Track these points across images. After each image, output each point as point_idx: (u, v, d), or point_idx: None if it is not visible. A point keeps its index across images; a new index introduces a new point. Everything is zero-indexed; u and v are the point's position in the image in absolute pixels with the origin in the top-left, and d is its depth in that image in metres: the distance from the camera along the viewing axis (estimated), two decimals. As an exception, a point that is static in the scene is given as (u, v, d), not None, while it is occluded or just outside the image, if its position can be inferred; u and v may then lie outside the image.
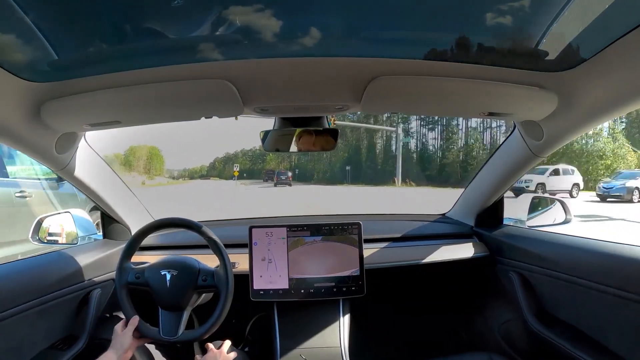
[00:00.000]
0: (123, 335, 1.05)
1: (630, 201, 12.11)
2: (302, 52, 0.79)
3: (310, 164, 39.54)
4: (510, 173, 1.34)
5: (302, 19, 0.76)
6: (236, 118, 1.08)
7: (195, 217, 1.20)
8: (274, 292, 1.31)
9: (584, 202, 12.49)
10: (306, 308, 1.35)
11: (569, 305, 1.16)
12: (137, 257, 1.23)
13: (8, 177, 3.53)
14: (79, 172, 1.19)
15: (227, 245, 1.17)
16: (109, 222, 1.44)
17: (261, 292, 1.31)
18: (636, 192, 12.27)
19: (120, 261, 1.14)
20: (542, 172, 14.75)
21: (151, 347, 1.35)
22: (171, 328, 1.10)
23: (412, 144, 33.61)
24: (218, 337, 1.19)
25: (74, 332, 1.18)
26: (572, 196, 14.64)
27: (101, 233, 1.46)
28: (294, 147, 1.18)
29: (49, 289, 1.08)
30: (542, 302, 1.26)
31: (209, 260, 1.18)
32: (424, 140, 33.89)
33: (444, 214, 1.78)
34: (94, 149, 1.25)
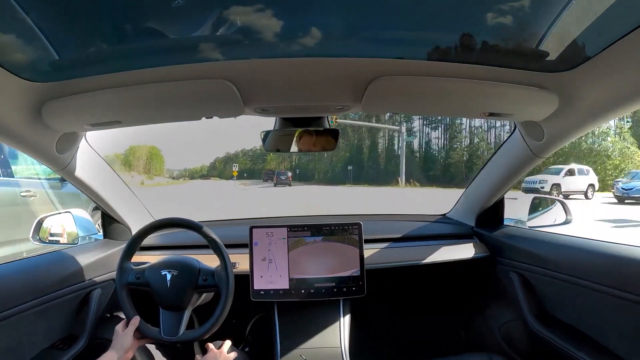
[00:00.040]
0: (124, 335, 1.05)
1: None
2: (302, 52, 0.79)
3: (311, 164, 39.33)
4: (511, 173, 1.34)
5: (303, 19, 0.76)
6: (235, 117, 1.08)
7: (193, 218, 1.20)
8: (275, 292, 1.31)
9: (602, 204, 11.94)
10: (306, 308, 1.35)
11: (570, 305, 1.16)
12: (137, 257, 1.23)
13: (13, 177, 3.58)
14: (80, 172, 1.19)
15: (227, 246, 1.17)
16: (109, 222, 1.44)
17: (261, 292, 1.31)
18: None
19: (120, 261, 1.14)
20: (557, 172, 14.20)
21: (151, 347, 1.35)
22: (172, 328, 1.10)
23: (416, 143, 33.16)
24: (218, 337, 1.19)
25: (74, 332, 1.19)
26: (587, 197, 14.14)
27: (102, 233, 1.46)
28: (294, 148, 1.18)
29: (49, 289, 1.08)
30: (543, 303, 1.26)
31: (209, 261, 1.18)
32: (427, 139, 33.42)
33: (444, 214, 1.78)
34: (94, 149, 1.25)
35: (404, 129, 28.02)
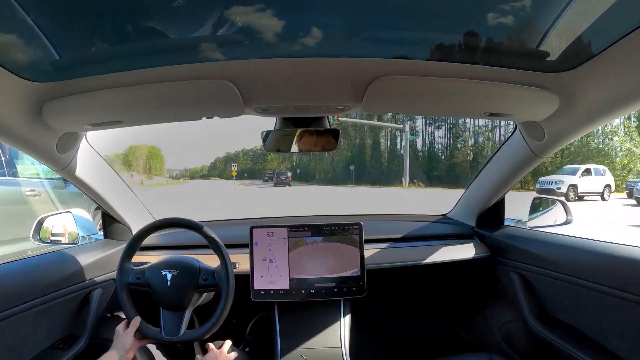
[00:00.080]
0: (125, 335, 1.05)
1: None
2: (303, 52, 0.79)
3: (312, 164, 39.02)
4: (512, 174, 1.34)
5: (303, 19, 0.76)
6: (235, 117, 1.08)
7: (193, 218, 1.20)
8: (275, 292, 1.31)
9: (621, 206, 11.33)
10: (307, 308, 1.35)
11: (570, 306, 1.15)
12: (137, 257, 1.23)
13: (18, 177, 3.67)
14: (80, 172, 1.19)
15: (228, 246, 1.17)
16: (109, 221, 1.44)
17: (262, 292, 1.31)
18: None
19: (120, 262, 1.14)
20: (573, 172, 13.47)
21: (152, 347, 1.35)
22: (173, 328, 1.10)
23: (419, 142, 32.32)
24: (219, 337, 1.19)
25: (75, 332, 1.19)
26: (603, 199, 13.42)
27: (102, 233, 1.46)
28: (295, 148, 1.18)
29: (49, 289, 1.08)
30: (543, 303, 1.26)
31: (209, 260, 1.18)
32: (431, 138, 32.57)
33: (444, 215, 1.78)
34: (95, 149, 1.25)
35: (407, 128, 27.08)
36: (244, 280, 1.30)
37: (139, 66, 0.82)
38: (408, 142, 26.41)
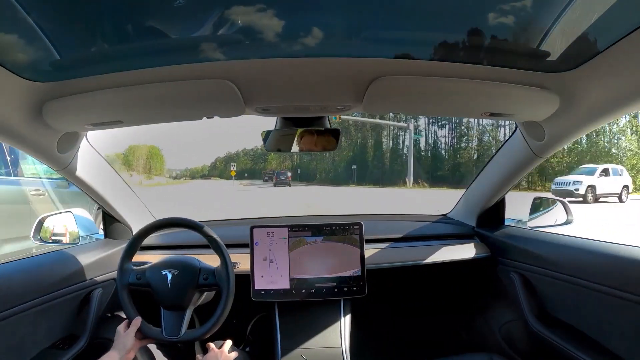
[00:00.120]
0: (126, 336, 1.05)
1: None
2: (303, 52, 0.79)
3: (312, 164, 38.61)
4: (512, 174, 1.34)
5: (304, 19, 0.76)
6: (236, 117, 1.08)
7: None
8: (275, 292, 1.31)
9: None
10: (307, 308, 1.35)
11: (570, 306, 1.15)
12: (138, 257, 1.23)
13: (23, 177, 3.73)
14: (81, 171, 1.19)
15: (228, 245, 1.17)
16: (110, 221, 1.44)
17: (262, 292, 1.31)
18: None
19: (120, 262, 1.14)
20: (591, 172, 12.68)
21: (152, 347, 1.35)
22: (174, 328, 1.10)
23: (423, 141, 31.07)
24: (219, 337, 1.19)
25: (75, 332, 1.19)
26: (621, 200, 12.78)
27: (102, 232, 1.46)
28: (295, 147, 1.18)
29: (50, 288, 1.08)
30: (543, 303, 1.26)
31: (210, 260, 1.19)
32: (435, 137, 31.40)
33: (445, 215, 1.78)
34: (95, 149, 1.25)
35: (411, 126, 26.03)
36: (245, 280, 1.30)
37: (140, 66, 0.82)
38: (412, 141, 25.42)
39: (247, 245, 1.33)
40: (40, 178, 3.88)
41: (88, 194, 1.30)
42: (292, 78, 0.88)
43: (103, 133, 1.22)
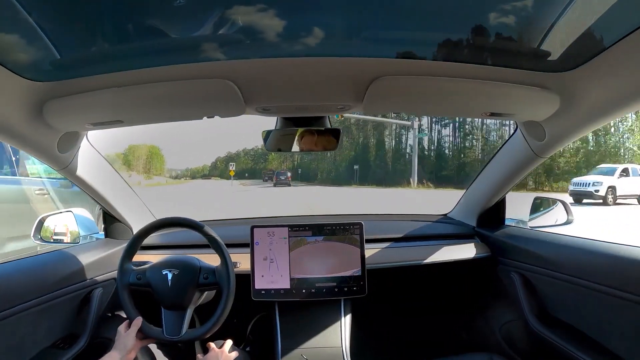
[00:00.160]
0: (126, 336, 1.05)
1: None
2: (304, 52, 0.79)
3: (313, 164, 38.31)
4: (512, 173, 1.34)
5: (305, 18, 0.76)
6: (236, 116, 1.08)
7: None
8: (276, 291, 1.31)
9: None
10: (307, 308, 1.35)
11: (571, 306, 1.15)
12: (138, 257, 1.23)
13: (28, 176, 3.80)
14: (81, 171, 1.19)
15: (228, 245, 1.17)
16: (110, 221, 1.44)
17: (262, 292, 1.31)
18: None
19: (121, 262, 1.14)
20: (611, 172, 11.93)
21: (152, 347, 1.35)
22: (174, 327, 1.10)
23: (426, 140, 30.09)
24: (219, 336, 1.19)
25: (75, 331, 1.19)
26: None
27: (103, 232, 1.46)
28: (295, 147, 1.18)
29: (50, 288, 1.08)
30: (544, 303, 1.26)
31: (210, 260, 1.19)
32: (439, 136, 30.69)
33: (445, 214, 1.78)
34: (96, 148, 1.25)
35: (416, 125, 24.99)
36: (245, 279, 1.30)
37: (140, 66, 0.82)
38: (416, 140, 24.82)
39: (248, 245, 1.33)
40: (43, 178, 3.93)
41: (88, 193, 1.30)
42: (293, 78, 0.88)
43: (103, 133, 1.22)
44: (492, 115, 1.01)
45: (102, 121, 0.99)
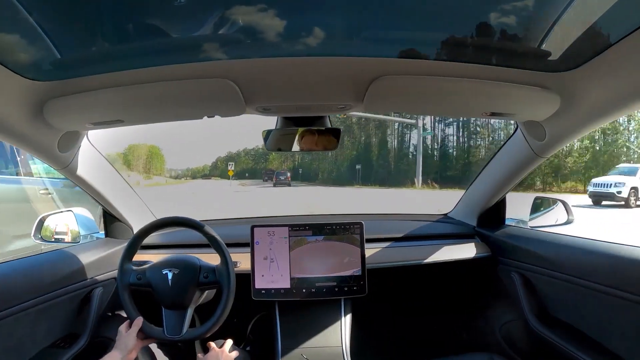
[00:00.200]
0: (127, 336, 1.05)
1: None
2: (304, 51, 0.79)
3: (314, 163, 37.80)
4: (513, 173, 1.34)
5: (305, 18, 0.76)
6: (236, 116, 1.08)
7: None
8: (276, 291, 1.31)
9: None
10: (307, 307, 1.35)
11: (571, 306, 1.15)
12: (138, 256, 1.23)
13: (32, 176, 3.87)
14: (82, 170, 1.19)
15: (228, 245, 1.17)
16: (111, 220, 1.44)
17: (263, 292, 1.31)
18: None
19: (121, 262, 1.14)
20: (632, 172, 10.99)
21: (153, 346, 1.35)
22: (175, 327, 1.10)
23: (430, 139, 28.55)
24: (220, 336, 1.19)
25: (76, 331, 1.19)
26: None
27: (103, 231, 1.47)
28: (296, 147, 1.18)
29: (50, 287, 1.08)
30: (544, 303, 1.26)
31: (210, 259, 1.19)
32: (443, 135, 29.06)
33: (446, 214, 1.78)
34: (96, 148, 1.25)
35: (420, 123, 23.90)
36: (245, 279, 1.30)
37: (141, 65, 0.82)
38: (421, 138, 23.61)
39: (248, 244, 1.33)
40: (48, 178, 3.99)
41: (89, 193, 1.30)
42: (293, 77, 0.88)
43: (103, 132, 1.22)
44: (493, 115, 1.01)
45: (103, 121, 0.99)
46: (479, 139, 27.34)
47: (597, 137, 19.54)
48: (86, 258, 1.23)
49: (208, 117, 1.01)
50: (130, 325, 1.08)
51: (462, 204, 1.70)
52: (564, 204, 1.46)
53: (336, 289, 1.31)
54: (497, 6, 0.71)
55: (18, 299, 0.98)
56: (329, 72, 0.87)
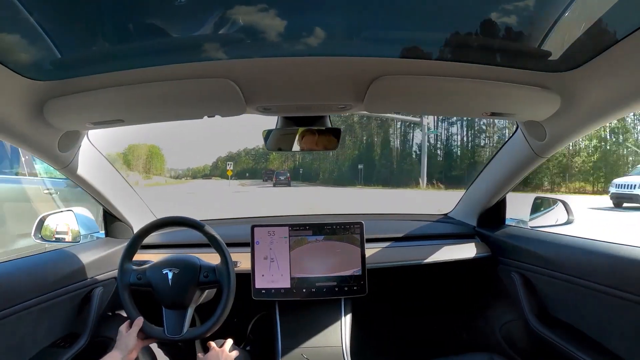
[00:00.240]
0: (128, 336, 1.05)
1: None
2: (305, 51, 0.79)
3: (315, 163, 37.53)
4: (513, 173, 1.34)
5: (306, 18, 0.76)
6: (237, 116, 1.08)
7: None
8: (276, 291, 1.31)
9: None
10: (308, 307, 1.35)
11: (571, 306, 1.15)
12: (138, 256, 1.23)
13: (37, 176, 3.94)
14: (82, 170, 1.19)
15: (229, 244, 1.17)
16: (111, 220, 1.44)
17: (263, 291, 1.31)
18: None
19: (121, 262, 1.14)
20: None
21: (153, 346, 1.35)
22: (176, 327, 1.10)
23: (433, 138, 27.89)
24: (220, 335, 1.20)
25: (76, 330, 1.19)
26: None
27: (103, 231, 1.47)
28: (296, 147, 1.18)
29: (51, 287, 1.08)
30: (544, 303, 1.26)
31: (211, 259, 1.19)
32: (447, 134, 28.52)
33: (446, 214, 1.78)
34: (96, 148, 1.25)
35: (425, 122, 22.99)
36: (245, 279, 1.30)
37: (141, 65, 0.82)
38: (426, 137, 23.28)
39: (248, 244, 1.33)
40: (51, 178, 4.04)
41: (89, 192, 1.30)
42: (293, 77, 0.88)
43: (103, 132, 1.22)
44: (493, 115, 1.01)
45: (103, 120, 0.99)
46: (486, 138, 26.74)
47: (607, 135, 19.30)
48: (86, 258, 1.23)
49: (208, 117, 1.01)
50: (130, 325, 1.08)
51: (462, 203, 1.70)
52: (564, 204, 1.46)
53: (336, 289, 1.31)
54: (497, 6, 0.71)
55: (19, 298, 0.98)
56: (329, 72, 0.87)
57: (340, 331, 1.32)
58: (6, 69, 0.73)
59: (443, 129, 28.48)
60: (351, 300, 1.39)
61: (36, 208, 3.69)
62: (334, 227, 1.34)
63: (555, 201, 1.52)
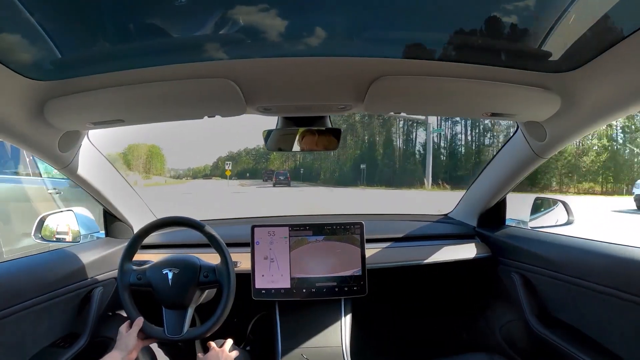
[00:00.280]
0: (128, 336, 1.05)
1: None
2: (305, 51, 0.79)
3: (316, 163, 37.24)
4: (513, 174, 1.34)
5: (306, 18, 0.76)
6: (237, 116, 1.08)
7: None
8: (276, 291, 1.31)
9: None
10: (308, 307, 1.35)
11: (571, 306, 1.15)
12: (138, 256, 1.23)
13: (41, 176, 4.00)
14: (82, 170, 1.19)
15: (229, 244, 1.17)
16: (111, 220, 1.44)
17: (263, 292, 1.31)
18: None
19: (121, 262, 1.14)
20: None
21: (153, 346, 1.35)
22: (176, 327, 1.10)
23: (437, 137, 26.81)
24: (220, 336, 1.20)
25: (76, 330, 1.19)
26: None
27: (104, 231, 1.47)
28: (296, 147, 1.18)
29: (51, 287, 1.08)
30: (544, 303, 1.26)
31: (211, 259, 1.19)
32: (451, 133, 28.10)
33: (446, 215, 1.78)
34: (97, 148, 1.25)
35: (430, 120, 22.46)
36: (245, 279, 1.30)
37: (141, 65, 0.82)
38: (431, 136, 22.72)
39: (248, 244, 1.33)
40: (55, 178, 4.09)
41: (89, 192, 1.30)
42: (294, 77, 0.88)
43: (103, 132, 1.22)
44: (493, 115, 1.01)
45: (103, 120, 0.99)
46: (492, 137, 26.36)
47: (618, 135, 19.10)
48: (86, 257, 1.23)
49: (209, 117, 1.01)
50: (130, 325, 1.08)
51: (463, 204, 1.70)
52: (564, 204, 1.46)
53: (336, 289, 1.31)
54: (498, 6, 0.71)
55: (19, 298, 0.98)
56: (329, 72, 0.87)
57: (340, 331, 1.32)
58: (7, 69, 0.74)
59: (447, 128, 28.02)
60: (351, 301, 1.39)
61: (40, 207, 3.73)
62: (334, 227, 1.34)
63: (555, 202, 1.52)
